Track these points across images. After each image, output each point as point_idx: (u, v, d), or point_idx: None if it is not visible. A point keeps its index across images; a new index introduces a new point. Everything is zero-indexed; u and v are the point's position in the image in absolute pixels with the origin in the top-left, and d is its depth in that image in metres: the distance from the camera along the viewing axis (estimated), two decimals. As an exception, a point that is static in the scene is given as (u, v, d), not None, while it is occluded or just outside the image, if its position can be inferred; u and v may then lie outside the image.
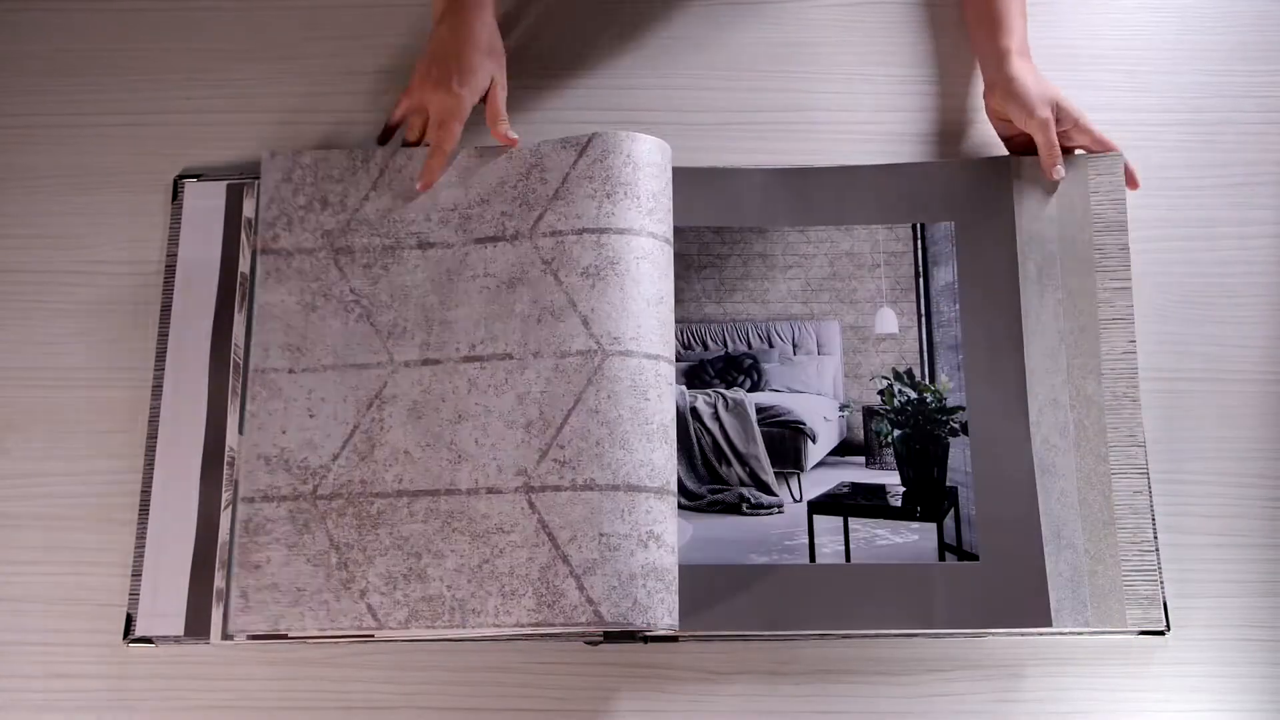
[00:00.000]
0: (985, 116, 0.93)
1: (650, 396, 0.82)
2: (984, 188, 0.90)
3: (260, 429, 0.86)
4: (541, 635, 0.82)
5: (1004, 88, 0.88)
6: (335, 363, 0.87)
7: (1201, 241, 0.92)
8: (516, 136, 0.90)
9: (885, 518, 0.85)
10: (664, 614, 0.79)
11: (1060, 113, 0.88)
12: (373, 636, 0.82)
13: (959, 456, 0.86)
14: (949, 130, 0.96)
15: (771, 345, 0.90)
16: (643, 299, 0.84)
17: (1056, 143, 0.87)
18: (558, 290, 0.85)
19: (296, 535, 0.83)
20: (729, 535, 0.85)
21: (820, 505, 0.86)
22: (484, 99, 0.92)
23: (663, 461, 0.82)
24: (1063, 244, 0.87)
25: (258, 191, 0.93)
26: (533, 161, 0.89)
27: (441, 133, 0.89)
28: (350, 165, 0.92)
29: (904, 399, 0.88)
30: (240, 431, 0.88)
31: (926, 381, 0.88)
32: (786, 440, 0.88)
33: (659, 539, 0.80)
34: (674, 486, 0.82)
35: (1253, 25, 0.98)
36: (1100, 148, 0.89)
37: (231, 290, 0.93)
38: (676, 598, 0.80)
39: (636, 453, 0.81)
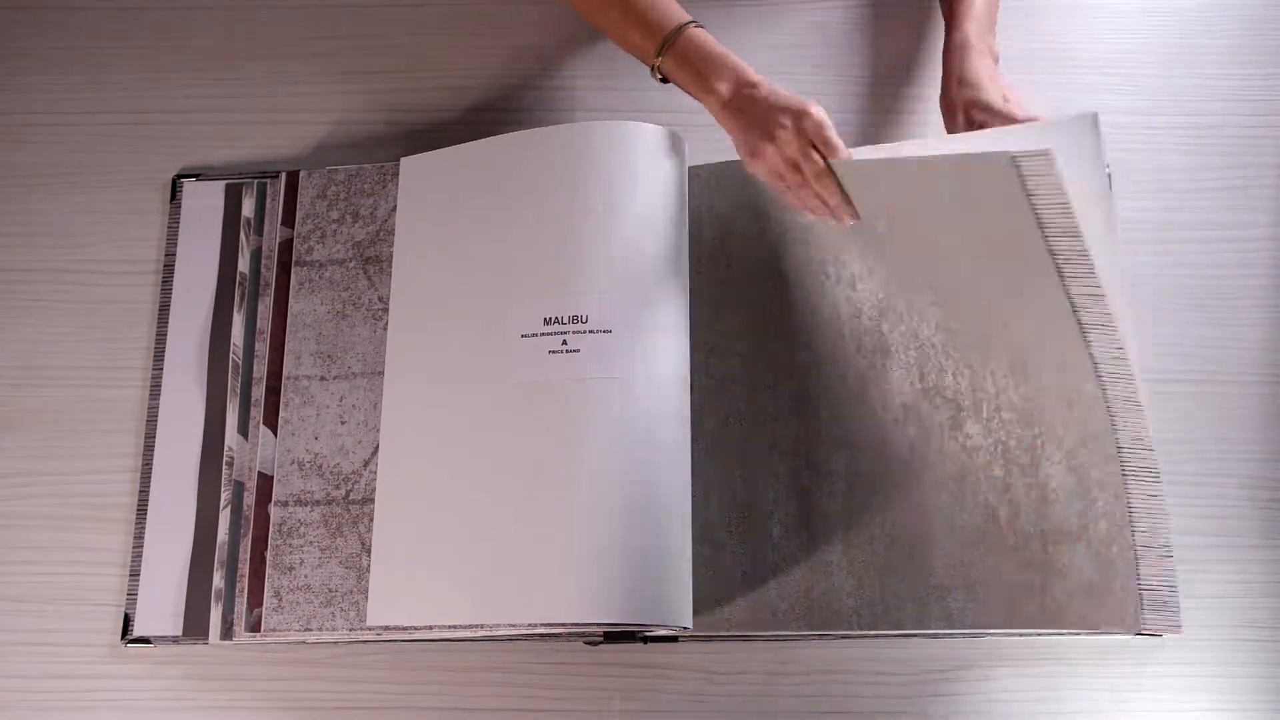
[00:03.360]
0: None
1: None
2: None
3: (293, 435, 0.87)
4: (541, 635, 0.82)
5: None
6: (364, 370, 0.87)
7: (1199, 245, 0.92)
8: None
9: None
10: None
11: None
12: (366, 623, 0.81)
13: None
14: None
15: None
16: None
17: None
18: None
19: (329, 539, 0.84)
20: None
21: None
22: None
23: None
24: (1015, 247, 0.79)
25: (258, 192, 0.93)
26: None
27: None
28: (380, 179, 0.92)
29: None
30: (242, 434, 0.88)
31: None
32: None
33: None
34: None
35: (1249, 29, 0.98)
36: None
37: (230, 290, 0.92)
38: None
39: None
